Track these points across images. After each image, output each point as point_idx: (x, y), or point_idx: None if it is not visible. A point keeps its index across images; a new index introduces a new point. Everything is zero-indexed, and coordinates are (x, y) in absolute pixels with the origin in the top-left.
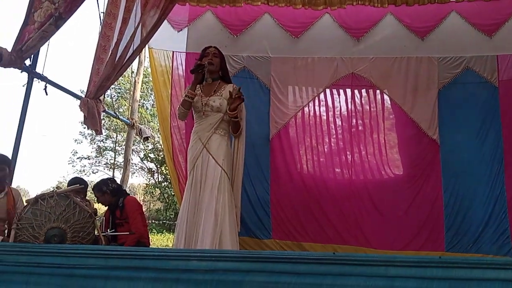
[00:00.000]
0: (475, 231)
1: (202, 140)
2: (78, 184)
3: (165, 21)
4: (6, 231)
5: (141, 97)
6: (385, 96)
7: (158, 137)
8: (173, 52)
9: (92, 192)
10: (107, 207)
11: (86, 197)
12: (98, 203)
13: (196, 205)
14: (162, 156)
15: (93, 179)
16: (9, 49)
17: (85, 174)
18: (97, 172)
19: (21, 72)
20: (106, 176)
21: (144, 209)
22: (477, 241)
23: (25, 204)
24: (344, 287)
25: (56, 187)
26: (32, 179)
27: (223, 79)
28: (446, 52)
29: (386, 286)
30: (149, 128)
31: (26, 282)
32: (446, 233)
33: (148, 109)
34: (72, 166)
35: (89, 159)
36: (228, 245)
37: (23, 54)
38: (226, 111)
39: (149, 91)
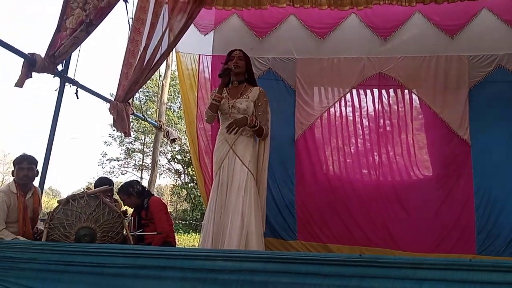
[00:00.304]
0: (508, 234)
1: (228, 141)
2: (105, 184)
3: (192, 25)
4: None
5: (168, 100)
6: (414, 96)
7: (185, 139)
8: (199, 55)
9: (118, 194)
10: (132, 208)
11: (114, 198)
12: (125, 205)
13: (222, 206)
14: (189, 157)
15: (122, 180)
16: (42, 55)
17: (114, 175)
18: (125, 173)
19: (54, 77)
20: (134, 177)
21: (171, 210)
22: (510, 244)
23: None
24: None
25: (87, 188)
26: (64, 180)
27: (249, 81)
28: (477, 50)
29: None
30: (176, 130)
31: (59, 280)
32: (478, 236)
33: (175, 111)
34: (102, 167)
35: (118, 160)
36: (254, 246)
37: (55, 59)
38: (252, 113)
39: (176, 94)
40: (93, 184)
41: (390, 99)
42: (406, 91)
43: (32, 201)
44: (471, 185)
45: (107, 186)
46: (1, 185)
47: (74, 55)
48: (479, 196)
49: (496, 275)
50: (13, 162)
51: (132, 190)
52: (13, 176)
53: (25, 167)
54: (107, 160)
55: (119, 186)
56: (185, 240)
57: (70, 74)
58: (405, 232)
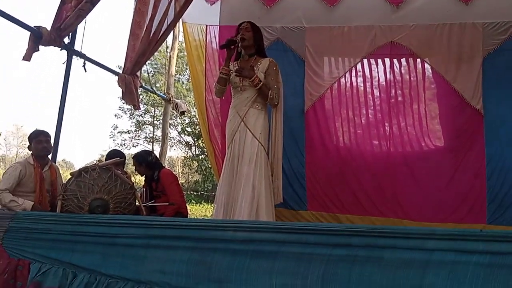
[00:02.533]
0: None
1: (240, 114)
2: (117, 156)
3: None
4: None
5: (176, 71)
6: (426, 65)
7: (194, 111)
8: (206, 26)
9: (132, 160)
10: (143, 177)
11: (125, 170)
12: (135, 171)
13: (234, 179)
14: (199, 130)
15: (133, 152)
16: (48, 28)
17: (126, 148)
18: (137, 145)
19: (61, 50)
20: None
21: (182, 181)
22: None
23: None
24: (380, 259)
25: (98, 161)
26: (76, 153)
27: (260, 53)
28: (492, 17)
29: (423, 259)
30: (185, 103)
31: (72, 250)
32: (489, 206)
33: (184, 83)
34: (113, 140)
35: (129, 133)
36: (264, 217)
37: (61, 32)
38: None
39: (184, 66)
40: (105, 156)
41: (402, 68)
42: (418, 60)
43: (49, 174)
44: (483, 155)
45: (118, 158)
46: (16, 158)
47: (80, 27)
48: (491, 166)
49: (506, 246)
50: (29, 137)
51: (141, 160)
52: (30, 150)
53: (42, 139)
54: (118, 132)
55: (134, 153)
56: (197, 210)
57: (77, 47)
58: (415, 202)
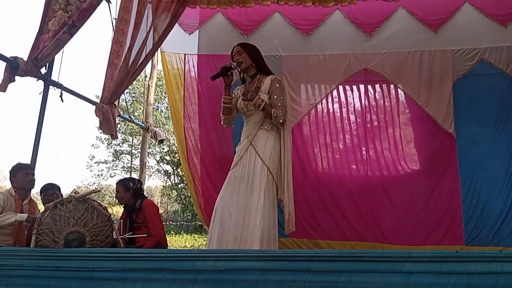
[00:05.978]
0: (495, 224)
1: (249, 138)
2: (53, 189)
3: (176, 24)
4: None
5: (155, 100)
6: (399, 91)
7: (173, 139)
8: (185, 54)
9: (116, 185)
10: (123, 207)
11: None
12: (116, 198)
13: (241, 205)
14: (178, 158)
15: (110, 183)
16: (25, 58)
17: (103, 178)
18: (114, 176)
19: (37, 80)
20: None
21: (161, 211)
22: (497, 234)
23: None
24: (360, 284)
25: (74, 192)
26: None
27: (262, 71)
28: (460, 44)
29: (402, 281)
30: (164, 131)
31: (48, 286)
32: (465, 227)
33: (162, 112)
34: (90, 170)
35: (106, 163)
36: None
37: (38, 62)
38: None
39: (163, 94)
40: (82, 188)
41: (376, 94)
42: (391, 86)
43: (28, 208)
44: (457, 177)
45: (96, 189)
46: None
47: (57, 57)
48: (465, 188)
49: (481, 266)
50: (14, 169)
51: (131, 185)
52: (12, 182)
53: (29, 172)
54: (95, 163)
55: (120, 179)
56: (177, 241)
57: (54, 77)
58: (394, 226)
